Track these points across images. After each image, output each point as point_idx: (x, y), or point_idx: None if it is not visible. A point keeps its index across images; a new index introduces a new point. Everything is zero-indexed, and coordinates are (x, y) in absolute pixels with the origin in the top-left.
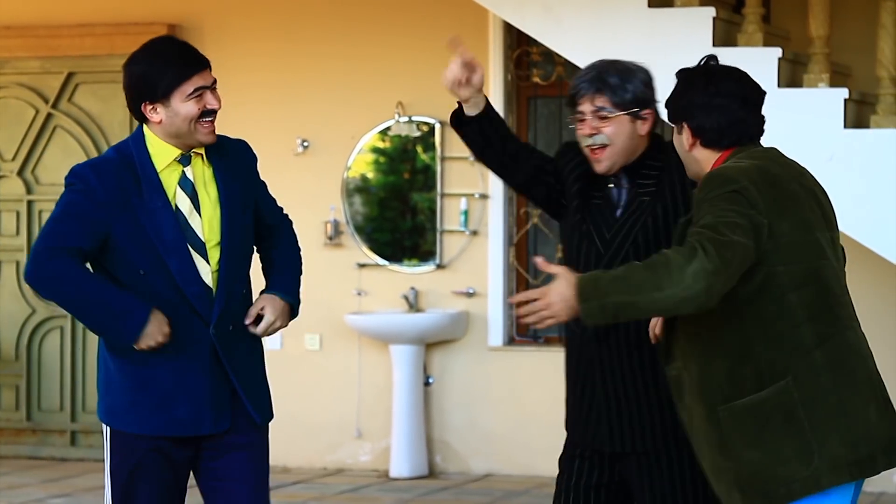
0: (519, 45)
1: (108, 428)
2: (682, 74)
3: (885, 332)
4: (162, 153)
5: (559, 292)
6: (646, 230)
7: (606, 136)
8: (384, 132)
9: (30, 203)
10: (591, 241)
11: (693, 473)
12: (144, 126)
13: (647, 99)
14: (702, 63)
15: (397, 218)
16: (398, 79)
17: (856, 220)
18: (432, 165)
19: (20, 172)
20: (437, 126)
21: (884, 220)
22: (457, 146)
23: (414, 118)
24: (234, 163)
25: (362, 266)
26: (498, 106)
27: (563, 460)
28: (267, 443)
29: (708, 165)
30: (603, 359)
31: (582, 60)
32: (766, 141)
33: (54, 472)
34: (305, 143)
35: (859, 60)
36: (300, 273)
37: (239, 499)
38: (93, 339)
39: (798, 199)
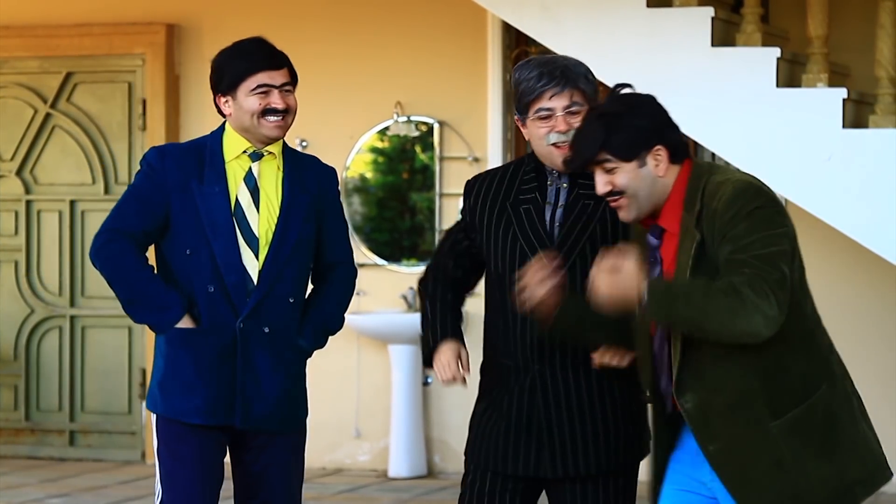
0: (517, 45)
1: (154, 415)
2: (619, 106)
3: (885, 333)
4: (233, 144)
5: (634, 273)
6: (594, 239)
7: None
8: (383, 132)
9: (28, 203)
10: (533, 250)
11: (626, 496)
12: (227, 122)
13: (598, 89)
14: (621, 92)
15: (396, 218)
16: (397, 79)
17: (854, 220)
18: (431, 165)
19: (18, 172)
20: (436, 126)
21: (882, 221)
22: (455, 146)
23: (412, 118)
24: (310, 179)
25: (361, 266)
26: (497, 106)
27: (480, 493)
28: (300, 446)
29: (671, 184)
30: (544, 384)
31: (581, 60)
32: (764, 142)
33: (53, 471)
34: (304, 143)
35: (858, 60)
36: (335, 322)
37: (267, 496)
38: (91, 339)
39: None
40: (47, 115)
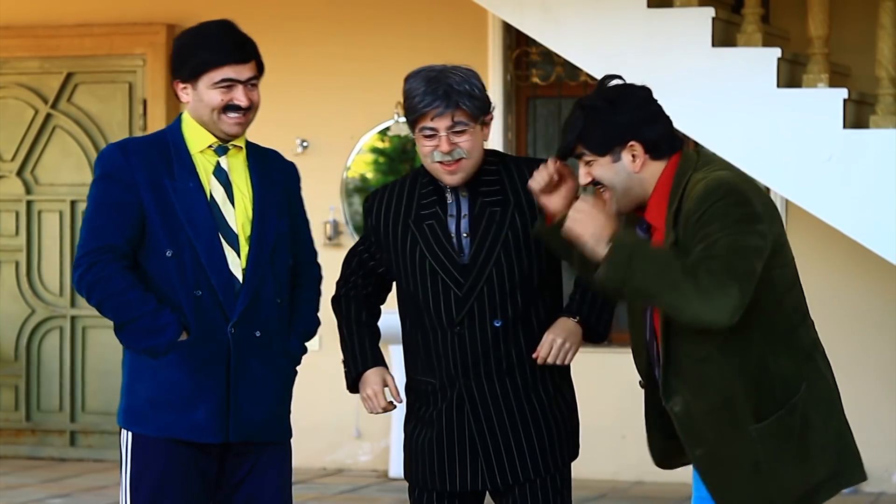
0: (518, 46)
1: (129, 433)
2: (599, 100)
3: (886, 333)
4: (197, 137)
5: (602, 224)
6: (507, 246)
7: (465, 149)
8: (383, 132)
9: (29, 203)
10: (443, 266)
11: (564, 495)
12: (184, 112)
13: (488, 102)
14: (607, 84)
15: None
16: (397, 79)
17: (855, 220)
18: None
19: (19, 172)
20: None
21: (883, 221)
22: None
23: None
24: (275, 174)
25: None
26: (497, 106)
27: None
28: (289, 460)
29: (654, 181)
30: (471, 397)
31: (581, 60)
32: (765, 142)
33: (53, 472)
34: (305, 144)
35: (858, 60)
36: (315, 326)
37: None
38: (91, 339)
39: (769, 198)
40: (48, 116)
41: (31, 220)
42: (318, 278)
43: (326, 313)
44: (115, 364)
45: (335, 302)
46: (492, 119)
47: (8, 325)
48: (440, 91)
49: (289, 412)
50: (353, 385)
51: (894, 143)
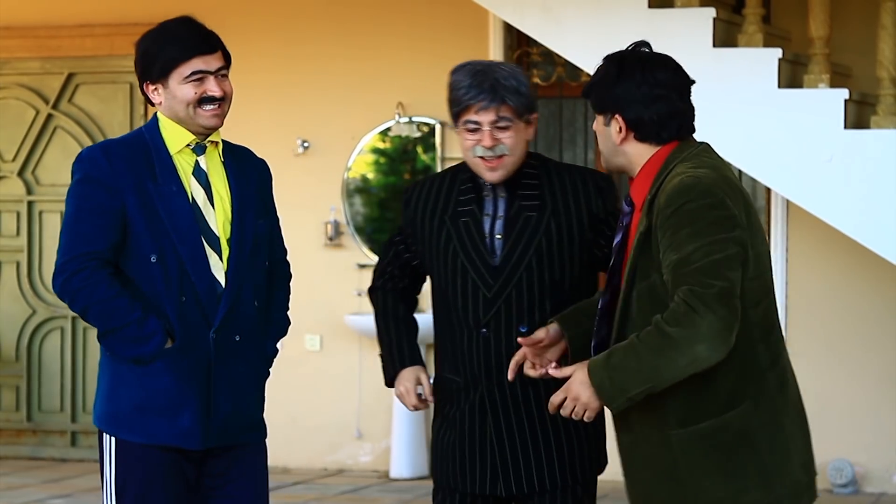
0: (519, 46)
1: (112, 438)
2: (614, 61)
3: (886, 333)
4: (175, 137)
5: (581, 383)
6: (540, 253)
7: (507, 146)
8: (384, 133)
9: (30, 203)
10: (474, 266)
11: None
12: (158, 111)
13: (534, 100)
14: (633, 49)
15: (398, 219)
16: (398, 79)
17: (856, 221)
18: (432, 166)
19: (20, 173)
20: (438, 126)
21: (884, 221)
22: (457, 147)
23: (414, 119)
24: (249, 171)
25: (363, 267)
26: None
27: None
28: (266, 459)
29: (641, 161)
30: (493, 401)
31: (582, 61)
32: (766, 142)
33: (54, 472)
34: (306, 144)
35: (860, 61)
36: (287, 327)
37: None
38: (92, 340)
39: (751, 205)
40: (49, 116)
41: (33, 221)
42: (289, 276)
43: (324, 310)
44: None
45: (372, 293)
46: (536, 118)
47: (9, 325)
48: (486, 84)
49: (263, 412)
50: (390, 382)
51: (895, 143)
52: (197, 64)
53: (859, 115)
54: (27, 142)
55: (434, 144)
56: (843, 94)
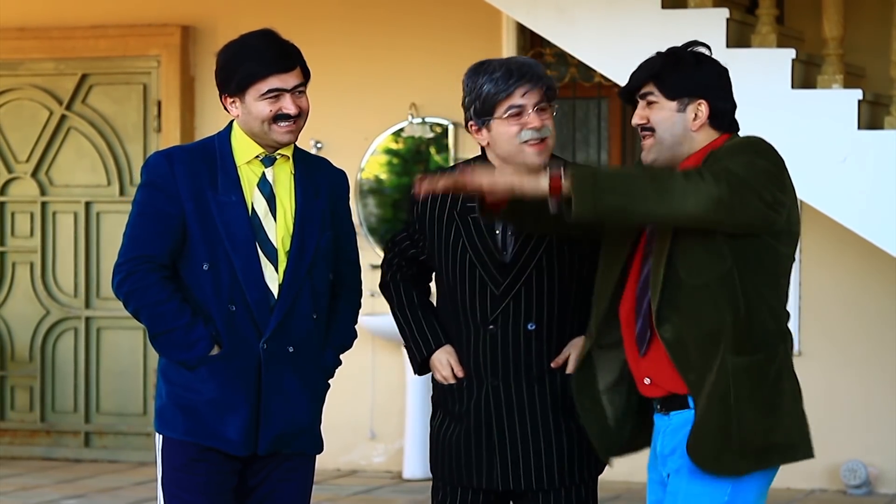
0: (532, 47)
1: (160, 436)
2: (685, 52)
3: None
4: (244, 148)
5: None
6: (551, 252)
7: (551, 127)
8: (397, 133)
9: (43, 204)
10: (482, 262)
11: None
12: (234, 121)
13: (556, 91)
14: (696, 48)
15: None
16: (411, 80)
17: (869, 221)
18: (445, 167)
19: (34, 174)
20: (451, 127)
21: None
22: (470, 147)
23: (427, 119)
24: (320, 183)
25: (375, 267)
26: None
27: None
28: (312, 473)
29: (701, 147)
30: (497, 397)
31: (595, 61)
32: (779, 143)
33: (68, 473)
34: (319, 145)
35: (873, 61)
36: (352, 338)
37: None
38: (106, 340)
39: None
40: (62, 117)
41: (46, 222)
42: (359, 291)
43: None
44: (130, 365)
45: (383, 287)
46: (554, 113)
47: (23, 326)
48: (524, 69)
49: (319, 423)
50: (421, 368)
51: None
52: (274, 82)
53: (873, 116)
54: (41, 143)
55: (447, 145)
56: (857, 94)
